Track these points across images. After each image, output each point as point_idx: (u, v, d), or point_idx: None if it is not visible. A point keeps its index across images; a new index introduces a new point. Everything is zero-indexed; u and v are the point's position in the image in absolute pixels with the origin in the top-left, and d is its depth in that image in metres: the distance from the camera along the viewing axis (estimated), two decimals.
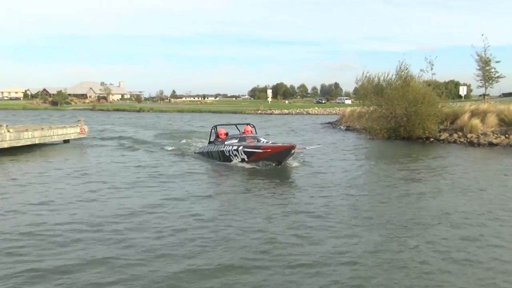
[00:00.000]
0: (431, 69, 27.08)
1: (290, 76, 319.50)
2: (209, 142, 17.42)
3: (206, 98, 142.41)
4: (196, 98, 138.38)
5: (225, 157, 15.43)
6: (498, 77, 31.87)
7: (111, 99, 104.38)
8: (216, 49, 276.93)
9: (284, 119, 50.88)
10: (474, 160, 17.06)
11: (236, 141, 15.45)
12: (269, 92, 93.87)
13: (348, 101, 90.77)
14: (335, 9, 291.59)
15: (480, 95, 40.85)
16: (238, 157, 14.80)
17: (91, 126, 28.72)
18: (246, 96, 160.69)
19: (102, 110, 76.05)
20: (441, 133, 22.86)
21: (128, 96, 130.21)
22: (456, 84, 62.70)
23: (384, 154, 19.47)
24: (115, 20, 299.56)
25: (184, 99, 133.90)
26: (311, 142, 22.81)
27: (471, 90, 64.98)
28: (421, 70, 26.91)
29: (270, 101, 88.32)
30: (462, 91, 56.57)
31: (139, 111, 72.85)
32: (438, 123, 23.45)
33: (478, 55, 31.29)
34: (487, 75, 31.47)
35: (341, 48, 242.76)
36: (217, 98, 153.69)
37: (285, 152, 14.06)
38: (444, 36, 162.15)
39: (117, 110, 76.17)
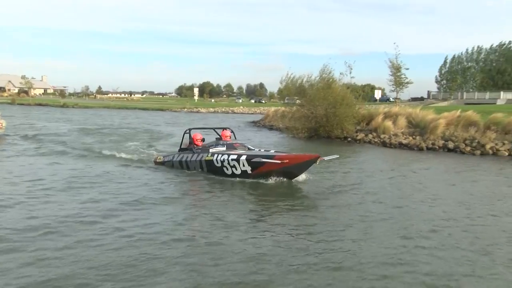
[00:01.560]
0: (350, 72, 28.19)
1: (218, 75, 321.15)
2: (181, 149, 13.65)
3: (132, 95, 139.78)
4: (123, 95, 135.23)
5: (213, 169, 11.87)
6: (407, 82, 34.19)
7: (32, 94, 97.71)
8: (144, 47, 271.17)
9: (210, 118, 50.68)
10: (382, 158, 17.91)
11: (224, 148, 12.16)
12: (196, 90, 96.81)
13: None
14: (263, 12, 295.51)
15: (394, 99, 43.26)
16: (236, 169, 11.37)
17: (10, 121, 26.60)
18: (173, 94, 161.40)
19: (23, 104, 70.89)
20: (358, 134, 23.83)
21: (52, 91, 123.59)
22: (372, 88, 65.92)
23: (304, 152, 19.88)
24: (39, 13, 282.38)
25: (110, 95, 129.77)
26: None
27: (385, 94, 68.67)
28: (341, 73, 27.94)
29: (197, 100, 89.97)
30: (377, 94, 59.71)
31: (62, 106, 68.72)
32: (355, 124, 24.47)
33: (390, 62, 33.22)
34: (398, 80, 33.56)
35: (268, 50, 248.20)
36: (144, 95, 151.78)
37: (307, 164, 10.86)
38: (363, 42, 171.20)
39: (39, 105, 71.41)
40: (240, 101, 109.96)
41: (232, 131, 13.94)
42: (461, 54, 75.79)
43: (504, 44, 71.93)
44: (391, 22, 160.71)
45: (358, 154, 19.11)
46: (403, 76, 33.87)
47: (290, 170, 10.93)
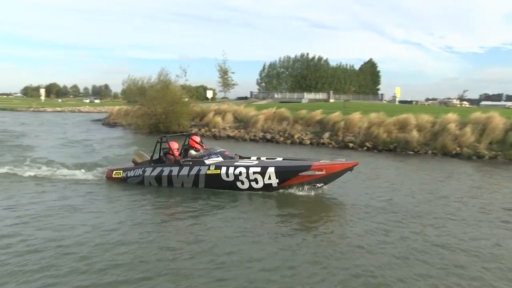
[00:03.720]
0: (185, 75, 30.58)
1: (65, 77, 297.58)
2: (154, 161, 10.88)
3: None
4: None
5: (218, 183, 9.68)
6: (233, 84, 38.18)
7: None
8: None
9: (55, 116, 47.73)
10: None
11: (220, 159, 10.03)
12: (42, 91, 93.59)
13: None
14: (105, 19, 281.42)
15: (222, 98, 47.04)
16: (257, 182, 9.45)
17: None
18: (19, 94, 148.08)
19: None
20: (192, 128, 26.02)
21: None
22: (205, 89, 69.96)
23: (145, 144, 21.11)
24: None
25: None
26: (78, 138, 23.04)
27: (216, 94, 73.08)
28: (177, 75, 30.08)
29: (44, 100, 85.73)
30: (209, 94, 63.65)
31: None
32: (190, 120, 26.77)
33: (219, 66, 36.64)
34: (226, 82, 37.26)
35: (113, 54, 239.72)
36: None
37: (343, 172, 9.44)
38: (198, 49, 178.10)
39: None
40: (88, 101, 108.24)
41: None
42: (276, 61, 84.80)
43: (304, 55, 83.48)
44: (220, 32, 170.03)
45: None
46: (230, 78, 37.76)
47: (323, 180, 9.52)
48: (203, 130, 25.57)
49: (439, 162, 16.19)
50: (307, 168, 9.29)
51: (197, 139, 11.07)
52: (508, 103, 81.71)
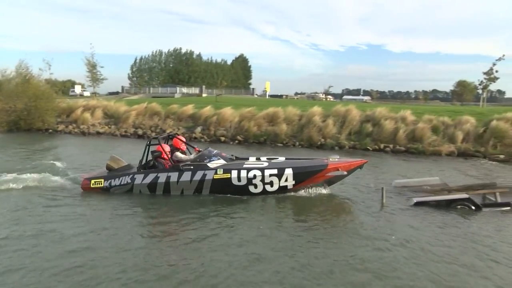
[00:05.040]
0: (49, 68, 28.24)
1: None
2: (145, 166, 9.62)
3: None
4: None
5: (227, 188, 8.88)
6: (102, 79, 36.44)
7: None
8: None
9: None
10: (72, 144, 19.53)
11: (222, 161, 9.25)
12: None
13: None
14: None
15: (92, 93, 44.47)
16: (272, 185, 8.84)
17: None
18: None
19: None
20: (59, 125, 24.42)
21: None
22: (73, 83, 65.08)
23: (4, 145, 19.30)
24: None
25: None
26: None
27: (85, 89, 68.60)
28: (40, 69, 27.63)
29: None
30: (78, 89, 59.49)
31: None
32: (56, 116, 24.89)
33: (87, 60, 34.61)
34: (95, 77, 35.39)
35: None
36: None
37: (354, 170, 9.31)
38: (66, 41, 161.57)
39: None
40: None
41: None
42: (148, 56, 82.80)
43: (177, 49, 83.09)
44: (90, 24, 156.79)
45: (57, 143, 19.65)
46: (98, 73, 35.88)
47: (335, 179, 9.31)
48: (70, 127, 24.13)
49: (307, 153, 17.10)
50: (324, 167, 8.91)
51: (183, 139, 10.12)
52: (365, 97, 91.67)
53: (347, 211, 8.51)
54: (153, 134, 21.81)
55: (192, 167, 8.99)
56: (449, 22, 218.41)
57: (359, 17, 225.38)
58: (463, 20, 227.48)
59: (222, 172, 8.83)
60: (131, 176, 9.28)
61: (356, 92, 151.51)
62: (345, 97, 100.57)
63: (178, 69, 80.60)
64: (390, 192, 9.56)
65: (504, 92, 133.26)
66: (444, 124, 18.89)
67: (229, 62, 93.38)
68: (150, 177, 9.12)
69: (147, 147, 9.68)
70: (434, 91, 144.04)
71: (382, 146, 18.35)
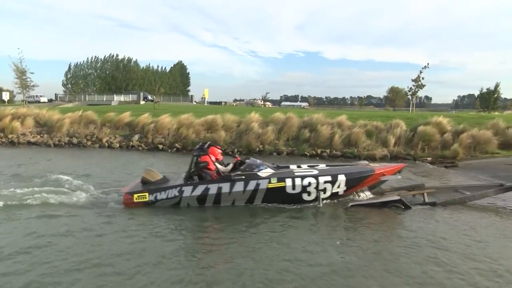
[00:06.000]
0: None
1: None
2: (192, 177, 9.06)
3: None
4: None
5: (281, 197, 8.70)
6: (33, 85, 34.48)
7: None
8: None
9: None
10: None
11: (271, 170, 8.99)
12: None
13: None
14: None
15: (23, 100, 41.93)
16: (325, 192, 8.79)
17: None
18: None
19: None
20: None
21: None
22: (0, 90, 60.71)
23: None
24: None
25: None
26: None
27: (14, 96, 64.36)
28: None
29: None
30: (5, 96, 55.74)
31: None
32: None
33: (15, 66, 32.57)
34: (24, 83, 33.37)
35: None
36: None
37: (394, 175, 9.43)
38: None
39: None
40: None
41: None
42: (83, 62, 79.42)
43: (113, 55, 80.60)
44: (21, 28, 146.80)
45: None
46: (28, 79, 33.86)
47: (377, 184, 9.40)
48: None
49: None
50: (372, 172, 9.04)
51: (219, 149, 9.88)
52: (303, 104, 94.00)
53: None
54: (89, 143, 21.27)
55: (243, 177, 8.73)
56: (381, 31, 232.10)
57: (295, 25, 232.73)
58: (394, 29, 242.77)
59: (276, 181, 8.70)
60: (178, 188, 8.82)
61: (294, 98, 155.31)
62: (283, 103, 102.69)
63: (115, 75, 78.14)
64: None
65: (431, 98, 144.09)
66: (378, 129, 19.79)
67: (167, 69, 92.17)
68: (199, 189, 8.75)
69: (194, 157, 9.10)
70: (369, 97, 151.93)
71: (319, 151, 18.91)
